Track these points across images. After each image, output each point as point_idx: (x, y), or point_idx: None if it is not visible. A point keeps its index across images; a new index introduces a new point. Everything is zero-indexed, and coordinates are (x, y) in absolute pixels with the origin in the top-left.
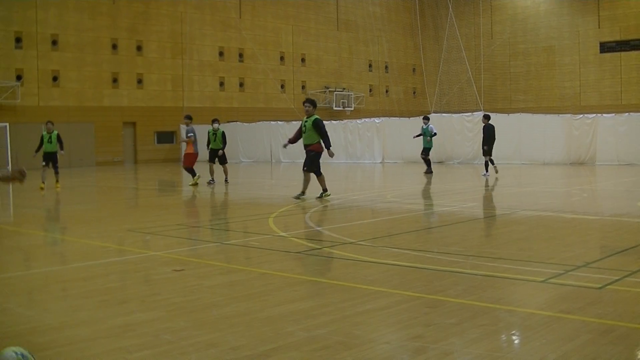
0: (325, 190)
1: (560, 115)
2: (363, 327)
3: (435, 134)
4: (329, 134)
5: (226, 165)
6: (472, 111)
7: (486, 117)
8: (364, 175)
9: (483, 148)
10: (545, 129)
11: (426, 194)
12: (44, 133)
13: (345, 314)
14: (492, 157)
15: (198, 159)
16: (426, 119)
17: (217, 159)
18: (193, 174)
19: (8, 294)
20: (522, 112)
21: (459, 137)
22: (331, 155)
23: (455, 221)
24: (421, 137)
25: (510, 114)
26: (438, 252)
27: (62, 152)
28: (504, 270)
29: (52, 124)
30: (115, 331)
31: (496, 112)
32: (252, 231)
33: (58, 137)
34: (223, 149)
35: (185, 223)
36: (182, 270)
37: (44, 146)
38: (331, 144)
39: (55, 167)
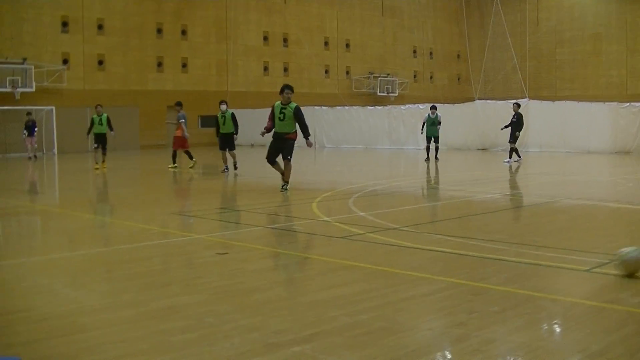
0: (287, 182)
1: (606, 103)
2: (406, 313)
3: (440, 122)
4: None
5: (234, 151)
6: (517, 98)
7: (518, 105)
8: (408, 161)
9: (515, 135)
10: (591, 117)
11: (469, 181)
12: (95, 116)
13: (388, 300)
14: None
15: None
16: (434, 108)
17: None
18: (174, 159)
19: (54, 275)
20: (568, 100)
21: (504, 125)
22: (310, 145)
23: (499, 209)
24: (428, 126)
25: (555, 102)
26: (481, 239)
27: (112, 133)
28: (547, 259)
29: (102, 106)
30: (158, 314)
31: (541, 99)
32: (295, 215)
33: (108, 119)
34: (236, 132)
35: (229, 207)
36: (226, 253)
37: (94, 128)
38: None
39: (104, 149)
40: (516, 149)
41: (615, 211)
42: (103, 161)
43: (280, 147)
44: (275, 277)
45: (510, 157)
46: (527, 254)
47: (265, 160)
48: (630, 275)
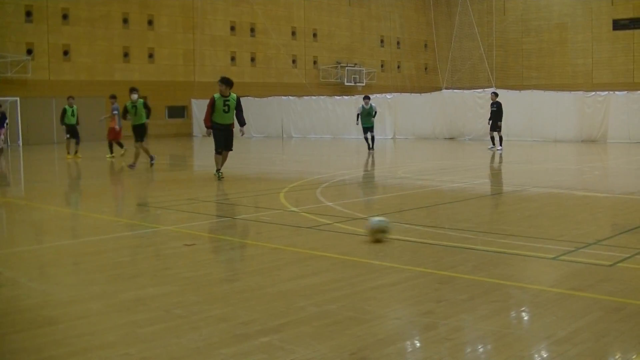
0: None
1: (572, 92)
2: (374, 302)
3: (376, 112)
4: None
5: (143, 143)
6: (484, 88)
7: (496, 94)
8: (376, 151)
9: (497, 124)
10: (557, 106)
11: (437, 170)
12: (67, 107)
13: (356, 290)
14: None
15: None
16: (367, 98)
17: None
18: (111, 149)
19: (20, 268)
20: (534, 89)
21: (471, 114)
22: (243, 133)
23: (467, 197)
24: (363, 117)
25: (522, 91)
26: (449, 229)
27: (77, 126)
28: (515, 247)
29: (73, 98)
30: (126, 305)
31: (508, 88)
32: (263, 206)
33: (76, 112)
34: (147, 117)
35: (196, 198)
36: (193, 244)
37: (66, 119)
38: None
39: (77, 139)
40: (493, 136)
41: (582, 199)
42: (76, 151)
43: (226, 138)
44: (243, 268)
45: (500, 144)
46: (495, 242)
47: (215, 151)
48: (377, 241)
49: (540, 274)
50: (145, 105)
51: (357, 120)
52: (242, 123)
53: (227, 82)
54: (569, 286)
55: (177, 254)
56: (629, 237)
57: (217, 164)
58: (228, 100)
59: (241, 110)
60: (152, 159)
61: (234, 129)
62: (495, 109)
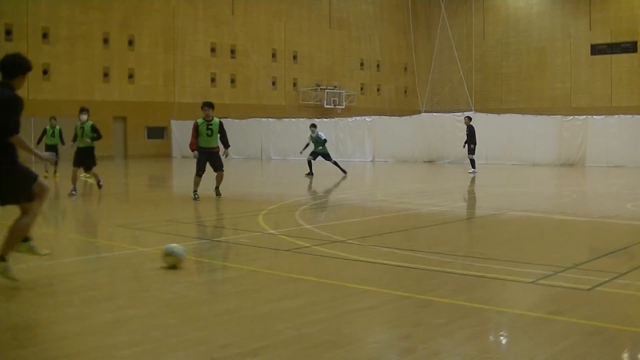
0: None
1: (551, 116)
2: (352, 326)
3: (325, 140)
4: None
5: (94, 169)
6: (463, 111)
7: (469, 118)
8: (355, 173)
9: (470, 147)
10: (536, 129)
11: (416, 193)
12: (47, 127)
13: (334, 313)
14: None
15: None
16: (313, 126)
17: (85, 162)
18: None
19: None
20: (513, 113)
21: (450, 137)
22: (228, 154)
23: (446, 221)
24: (311, 145)
25: (501, 114)
26: (428, 252)
27: (63, 145)
28: (493, 271)
29: (55, 119)
30: (103, 327)
31: (487, 112)
32: (242, 228)
33: (60, 132)
34: (97, 138)
35: (175, 219)
36: (172, 267)
37: (46, 139)
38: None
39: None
40: (473, 160)
41: (561, 223)
42: (55, 172)
43: (210, 161)
44: (221, 290)
45: (473, 167)
46: (474, 266)
47: (196, 174)
48: (172, 267)
49: (519, 297)
50: (94, 129)
51: (304, 148)
52: (226, 146)
53: (212, 106)
54: (548, 310)
55: (156, 275)
56: (607, 261)
57: (195, 185)
58: (211, 125)
59: (225, 134)
60: (74, 190)
61: (219, 152)
62: (467, 132)
